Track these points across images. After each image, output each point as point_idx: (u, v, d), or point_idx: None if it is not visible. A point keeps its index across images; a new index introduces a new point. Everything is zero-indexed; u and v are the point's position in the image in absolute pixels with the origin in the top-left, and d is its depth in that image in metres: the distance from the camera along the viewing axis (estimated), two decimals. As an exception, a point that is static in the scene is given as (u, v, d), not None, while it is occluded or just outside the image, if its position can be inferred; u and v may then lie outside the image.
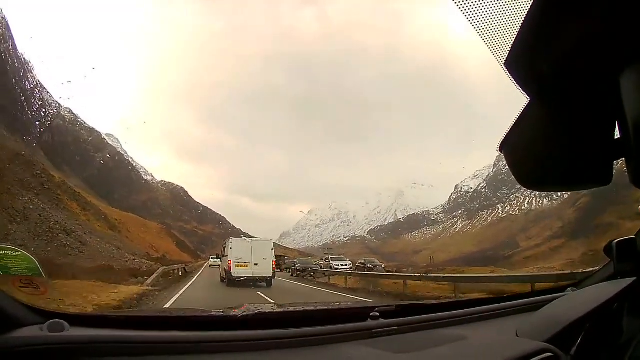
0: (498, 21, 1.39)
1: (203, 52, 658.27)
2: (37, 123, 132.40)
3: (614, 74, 1.32)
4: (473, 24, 1.39)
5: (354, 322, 3.01)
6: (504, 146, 1.67)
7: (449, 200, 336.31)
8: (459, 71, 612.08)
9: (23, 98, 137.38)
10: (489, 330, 3.30)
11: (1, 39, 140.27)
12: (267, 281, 31.53)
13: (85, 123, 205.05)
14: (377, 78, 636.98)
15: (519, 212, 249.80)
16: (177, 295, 21.47)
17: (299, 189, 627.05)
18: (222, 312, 3.19)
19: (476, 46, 1.43)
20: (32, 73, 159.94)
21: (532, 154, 1.63)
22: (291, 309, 3.76)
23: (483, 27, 1.40)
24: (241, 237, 42.16)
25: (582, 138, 1.48)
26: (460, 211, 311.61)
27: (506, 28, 1.39)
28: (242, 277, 30.71)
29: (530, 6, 1.27)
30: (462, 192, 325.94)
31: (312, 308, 3.92)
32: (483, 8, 1.37)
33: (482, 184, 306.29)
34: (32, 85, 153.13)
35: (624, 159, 1.42)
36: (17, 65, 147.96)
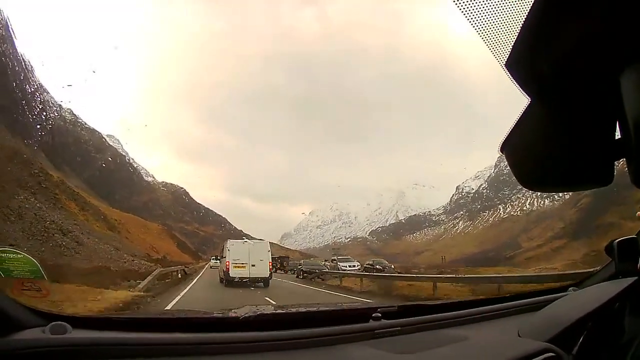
0: (499, 21, 1.40)
1: (203, 52, 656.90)
2: (39, 126, 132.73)
3: (615, 74, 1.31)
4: (473, 24, 1.39)
5: (356, 323, 3.02)
6: (505, 147, 1.67)
7: (450, 201, 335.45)
8: (459, 71, 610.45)
9: (24, 101, 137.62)
10: (491, 331, 3.34)
11: (1, 40, 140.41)
12: (264, 281, 32.83)
13: (86, 124, 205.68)
14: (378, 78, 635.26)
15: (520, 213, 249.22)
16: (172, 302, 20.10)
17: (299, 189, 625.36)
18: (224, 313, 3.21)
19: (477, 46, 1.43)
20: (33, 75, 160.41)
21: (533, 154, 1.63)
22: (293, 310, 3.76)
23: (484, 27, 1.40)
24: (244, 238, 42.74)
25: (582, 138, 1.48)
26: (461, 212, 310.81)
27: (507, 28, 1.39)
28: (240, 277, 31.99)
29: (531, 6, 1.26)
30: (463, 193, 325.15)
31: (314, 309, 3.93)
32: (483, 8, 1.37)
33: (484, 185, 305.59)
34: (33, 88, 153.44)
35: (624, 159, 1.42)
36: (17, 68, 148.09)
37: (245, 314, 2.87)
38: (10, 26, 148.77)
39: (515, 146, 1.66)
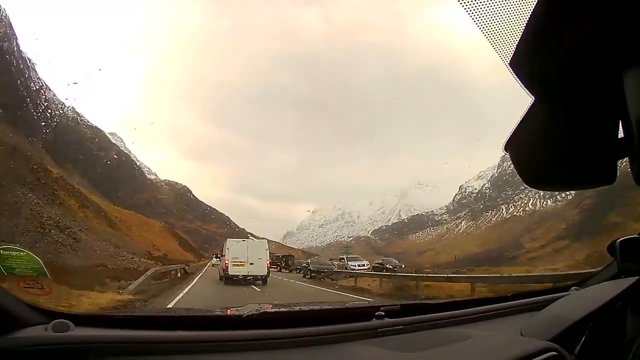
0: (502, 21, 1.40)
1: (208, 51, 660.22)
2: (43, 124, 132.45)
3: (618, 74, 1.31)
4: (478, 24, 1.40)
5: (360, 321, 3.02)
6: (509, 146, 1.68)
7: (453, 200, 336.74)
8: (463, 71, 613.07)
9: (28, 99, 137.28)
10: (494, 329, 3.32)
11: (4, 38, 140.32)
12: (262, 279, 33.59)
13: (89, 122, 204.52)
14: (382, 78, 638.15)
15: (523, 213, 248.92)
16: (168, 306, 17.42)
17: (303, 188, 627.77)
18: (228, 311, 3.21)
19: (480, 46, 1.43)
20: (37, 73, 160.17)
21: (536, 153, 1.64)
22: (296, 308, 3.74)
23: (488, 27, 1.41)
24: (249, 237, 42.86)
25: (586, 137, 1.48)
26: (464, 212, 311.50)
27: (511, 28, 1.40)
28: (239, 275, 32.83)
29: (534, 6, 1.27)
30: (466, 193, 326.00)
31: (317, 307, 3.93)
32: (488, 8, 1.38)
33: (486, 185, 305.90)
34: (37, 86, 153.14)
35: (627, 158, 1.42)
36: (21, 66, 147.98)
37: (249, 312, 2.86)
38: (12, 24, 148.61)
39: (519, 145, 1.66)
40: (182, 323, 2.82)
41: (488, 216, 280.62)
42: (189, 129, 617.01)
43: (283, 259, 74.21)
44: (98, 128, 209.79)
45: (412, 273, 39.34)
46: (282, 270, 65.53)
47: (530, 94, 1.49)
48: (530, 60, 1.40)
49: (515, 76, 1.43)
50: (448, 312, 3.51)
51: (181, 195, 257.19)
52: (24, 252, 3.03)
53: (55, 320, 2.22)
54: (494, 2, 1.39)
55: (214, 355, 2.43)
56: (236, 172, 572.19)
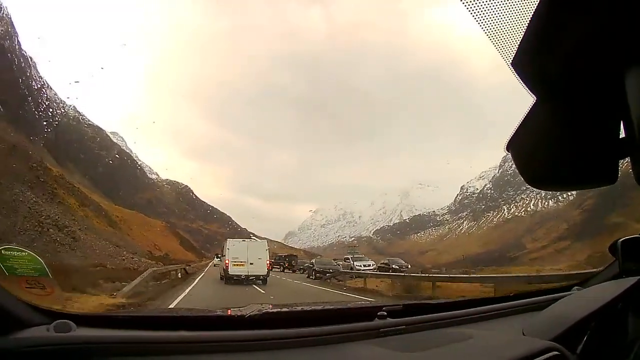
0: (504, 20, 1.39)
1: (209, 51, 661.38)
2: (45, 123, 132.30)
3: (619, 74, 1.31)
4: (480, 23, 1.39)
5: (362, 321, 3.02)
6: (511, 145, 1.68)
7: (455, 201, 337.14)
8: (465, 71, 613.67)
9: (30, 98, 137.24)
10: (496, 329, 3.32)
11: (5, 36, 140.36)
12: (262, 279, 33.86)
13: (90, 121, 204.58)
14: (383, 78, 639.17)
15: (524, 214, 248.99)
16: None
17: (304, 188, 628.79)
18: (230, 311, 3.19)
19: (482, 46, 1.43)
20: (38, 72, 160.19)
21: (538, 153, 1.63)
22: (299, 308, 3.74)
23: (490, 26, 1.40)
24: (251, 237, 42.92)
25: (587, 137, 1.48)
26: (465, 212, 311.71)
27: (513, 28, 1.39)
28: (239, 275, 33.06)
29: (537, 6, 1.27)
30: (467, 193, 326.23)
31: (319, 307, 3.93)
32: (490, 7, 1.38)
33: (488, 185, 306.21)
34: (39, 85, 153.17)
35: (629, 158, 1.42)
36: (23, 64, 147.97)
37: (251, 312, 2.85)
38: (13, 22, 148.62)
39: (521, 145, 1.66)
40: (184, 323, 2.80)
41: (490, 216, 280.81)
42: (190, 129, 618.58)
43: (286, 259, 72.34)
44: (99, 127, 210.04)
45: (418, 273, 38.27)
46: (285, 271, 64.62)
47: (532, 94, 1.48)
48: (532, 60, 1.39)
49: (517, 76, 1.42)
50: (450, 312, 3.51)
51: (183, 195, 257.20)
52: (25, 252, 3.02)
53: (57, 321, 2.21)
54: (496, 1, 1.38)
55: (216, 356, 2.43)
56: (237, 172, 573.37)
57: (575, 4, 1.23)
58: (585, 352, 2.47)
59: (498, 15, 1.39)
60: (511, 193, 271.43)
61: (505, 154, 1.72)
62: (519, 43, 1.37)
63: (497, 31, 1.42)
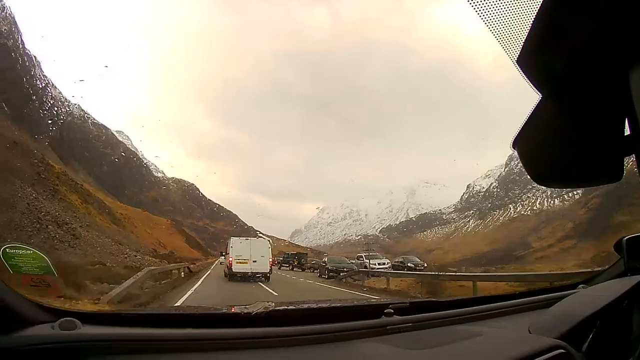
0: (509, 17, 1.39)
1: (215, 49, 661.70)
2: (50, 121, 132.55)
3: (624, 71, 1.29)
4: (485, 20, 1.39)
5: (368, 319, 3.01)
6: (517, 143, 1.66)
7: (461, 199, 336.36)
8: (471, 69, 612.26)
9: (34, 97, 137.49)
10: (502, 327, 3.32)
11: (9, 35, 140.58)
12: (265, 276, 34.67)
13: (95, 120, 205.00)
14: (389, 76, 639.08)
15: (530, 213, 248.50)
16: None
17: (311, 186, 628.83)
18: (236, 309, 3.17)
19: (488, 44, 1.44)
20: (42, 71, 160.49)
21: (544, 150, 1.62)
22: (305, 306, 3.75)
23: (495, 23, 1.40)
24: (257, 235, 43.21)
25: (592, 134, 1.47)
26: (472, 211, 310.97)
27: (518, 25, 1.39)
28: (242, 272, 33.92)
29: (541, 3, 1.27)
30: (474, 192, 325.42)
31: (326, 305, 3.90)
32: (495, 5, 1.38)
33: (494, 184, 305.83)
34: (43, 84, 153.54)
35: (634, 156, 1.41)
36: (27, 63, 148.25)
37: (257, 309, 2.83)
38: (17, 22, 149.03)
39: (527, 142, 1.65)
40: (190, 321, 2.79)
41: (496, 215, 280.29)
42: (196, 127, 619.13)
43: (295, 257, 70.93)
44: (105, 126, 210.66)
45: (433, 272, 36.39)
46: (295, 269, 63.41)
47: (538, 91, 1.47)
48: (537, 57, 1.38)
49: (522, 73, 1.41)
50: (457, 310, 3.51)
51: (189, 193, 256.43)
52: (30, 250, 3.04)
53: (62, 319, 2.21)
54: None
55: (222, 353, 2.42)
56: (244, 170, 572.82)
57: (579, 1, 1.23)
58: (590, 350, 2.47)
59: (503, 12, 1.39)
60: (517, 192, 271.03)
61: (511, 152, 1.71)
62: (524, 40, 1.36)
63: (502, 29, 1.41)
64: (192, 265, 47.26)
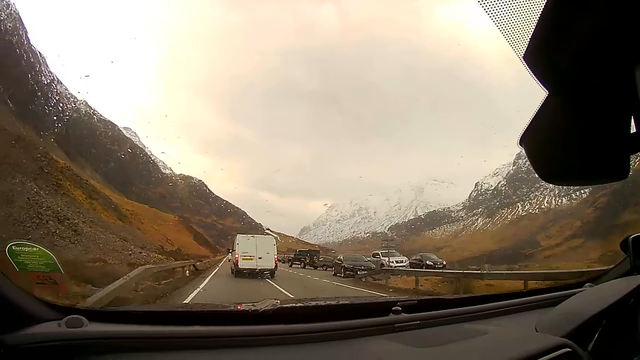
0: (516, 14, 1.40)
1: (223, 45, 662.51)
2: (55, 118, 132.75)
3: (631, 68, 1.31)
4: (491, 17, 1.40)
5: (377, 316, 3.03)
6: (524, 140, 1.68)
7: (469, 197, 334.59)
8: (479, 66, 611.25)
9: (39, 93, 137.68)
10: (510, 325, 3.35)
11: (13, 32, 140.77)
12: (271, 272, 35.34)
13: (102, 116, 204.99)
14: (397, 73, 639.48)
15: (538, 211, 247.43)
16: None
17: (319, 184, 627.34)
18: (243, 306, 3.19)
19: (496, 41, 1.45)
20: (47, 67, 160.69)
21: (550, 147, 1.63)
22: (313, 303, 3.76)
23: (502, 20, 1.41)
24: (266, 232, 43.88)
25: (598, 132, 1.47)
26: (480, 209, 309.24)
27: (524, 21, 1.39)
28: (248, 268, 34.50)
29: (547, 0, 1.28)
30: (482, 190, 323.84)
31: (334, 302, 3.93)
32: (502, 1, 1.39)
33: (502, 182, 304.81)
34: (49, 80, 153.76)
35: None
36: (32, 60, 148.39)
37: (265, 307, 2.86)
38: (21, 17, 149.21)
39: (534, 139, 1.66)
40: (197, 318, 2.79)
41: (504, 213, 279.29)
42: (204, 124, 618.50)
43: (307, 255, 66.47)
44: (112, 122, 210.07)
45: (454, 269, 37.57)
46: (307, 267, 60.33)
47: (544, 88, 1.47)
48: (543, 54, 1.39)
49: (529, 70, 1.42)
50: (464, 308, 3.54)
51: (197, 190, 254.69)
52: (36, 247, 3.02)
53: (69, 316, 2.22)
54: None
55: (229, 351, 2.43)
56: (252, 167, 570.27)
57: None
58: (596, 349, 2.49)
59: (510, 9, 1.40)
60: (525, 190, 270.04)
61: (519, 149, 1.75)
62: (530, 37, 1.37)
63: (509, 26, 1.42)
64: (198, 263, 46.30)
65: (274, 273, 35.58)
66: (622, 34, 1.26)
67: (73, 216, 60.62)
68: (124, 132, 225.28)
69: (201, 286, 24.84)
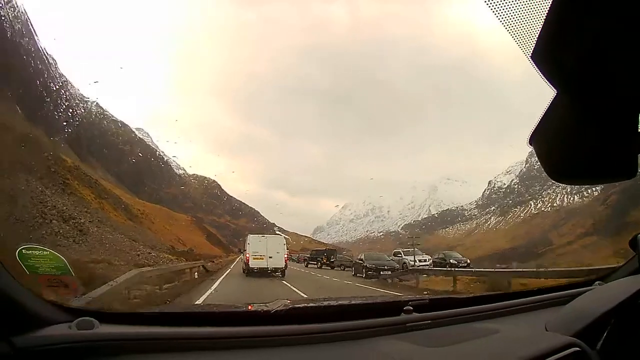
0: (523, 13, 1.40)
1: (235, 44, 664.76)
2: (65, 123, 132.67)
3: (638, 67, 1.31)
4: (499, 16, 1.40)
5: (388, 316, 3.06)
6: (533, 139, 1.70)
7: (482, 196, 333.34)
8: (491, 65, 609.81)
9: (50, 95, 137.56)
10: (519, 324, 3.37)
11: (23, 34, 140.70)
12: (281, 272, 36.60)
13: (113, 117, 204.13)
14: (409, 71, 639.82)
15: (550, 209, 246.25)
16: None
17: (333, 183, 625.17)
18: (255, 307, 3.20)
19: (506, 40, 1.46)
20: (58, 69, 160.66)
21: (559, 146, 1.66)
22: (324, 303, 3.78)
23: (509, 19, 1.41)
24: (277, 232, 44.27)
25: (607, 131, 1.48)
26: (493, 207, 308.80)
27: (532, 20, 1.39)
28: (259, 267, 35.92)
29: None
30: (495, 188, 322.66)
31: (345, 302, 3.93)
32: (508, 0, 1.38)
33: (515, 180, 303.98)
34: (59, 84, 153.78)
35: None
36: (40, 66, 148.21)
37: (277, 307, 2.87)
38: (30, 20, 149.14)
39: (543, 139, 1.68)
40: (209, 319, 2.81)
41: (517, 212, 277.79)
42: (217, 123, 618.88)
43: (324, 254, 63.92)
44: (124, 123, 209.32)
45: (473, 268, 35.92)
46: (323, 267, 58.20)
47: (553, 87, 1.48)
48: (551, 53, 1.39)
49: (537, 69, 1.42)
50: (475, 307, 3.55)
51: (210, 190, 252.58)
52: (47, 251, 3.04)
53: (80, 318, 2.25)
54: None
55: (241, 351, 2.45)
56: (265, 166, 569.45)
57: None
58: (605, 348, 2.49)
59: (517, 8, 1.39)
60: (537, 188, 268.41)
61: (530, 148, 1.75)
62: (538, 36, 1.36)
63: (516, 25, 1.41)
64: (209, 264, 46.26)
65: (284, 272, 36.42)
66: (629, 32, 1.25)
67: (79, 216, 59.81)
68: (137, 133, 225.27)
69: (213, 287, 23.62)
